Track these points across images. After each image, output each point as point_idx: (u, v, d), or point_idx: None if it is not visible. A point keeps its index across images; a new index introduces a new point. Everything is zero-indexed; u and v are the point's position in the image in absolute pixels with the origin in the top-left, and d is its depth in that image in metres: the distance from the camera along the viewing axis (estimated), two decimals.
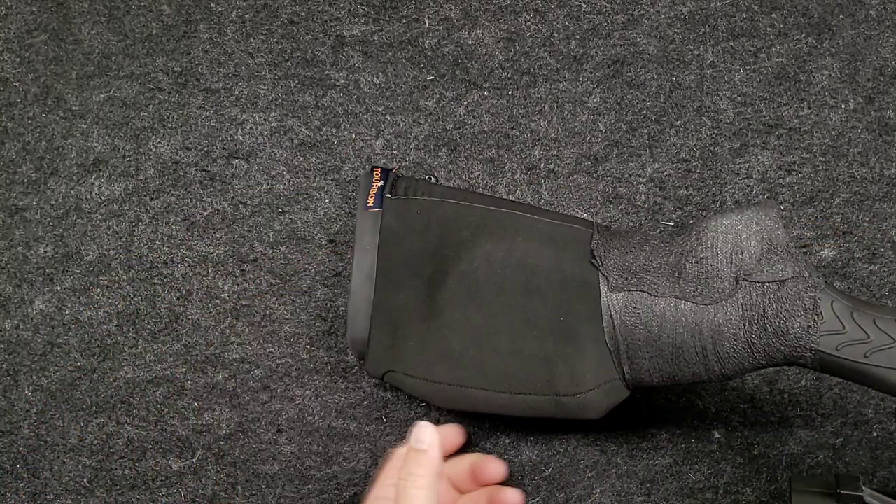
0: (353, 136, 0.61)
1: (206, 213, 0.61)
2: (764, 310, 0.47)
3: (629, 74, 0.60)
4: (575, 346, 0.50)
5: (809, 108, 0.60)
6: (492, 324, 0.51)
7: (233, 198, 0.61)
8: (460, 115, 0.61)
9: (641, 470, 0.58)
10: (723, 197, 0.60)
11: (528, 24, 0.61)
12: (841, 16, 0.61)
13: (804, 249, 0.59)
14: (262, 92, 0.61)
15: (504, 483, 0.56)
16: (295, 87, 0.61)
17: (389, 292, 0.52)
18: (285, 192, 0.61)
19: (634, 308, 0.49)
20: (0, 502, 0.60)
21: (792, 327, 0.46)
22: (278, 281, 0.60)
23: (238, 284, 0.60)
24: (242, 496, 0.59)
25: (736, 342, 0.47)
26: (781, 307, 0.46)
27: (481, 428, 0.59)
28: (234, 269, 0.60)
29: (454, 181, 0.60)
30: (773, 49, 0.60)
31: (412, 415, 0.60)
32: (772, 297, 0.47)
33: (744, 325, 0.47)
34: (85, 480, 0.60)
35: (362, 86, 0.61)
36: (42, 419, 0.60)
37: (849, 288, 0.59)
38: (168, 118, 0.61)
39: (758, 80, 0.60)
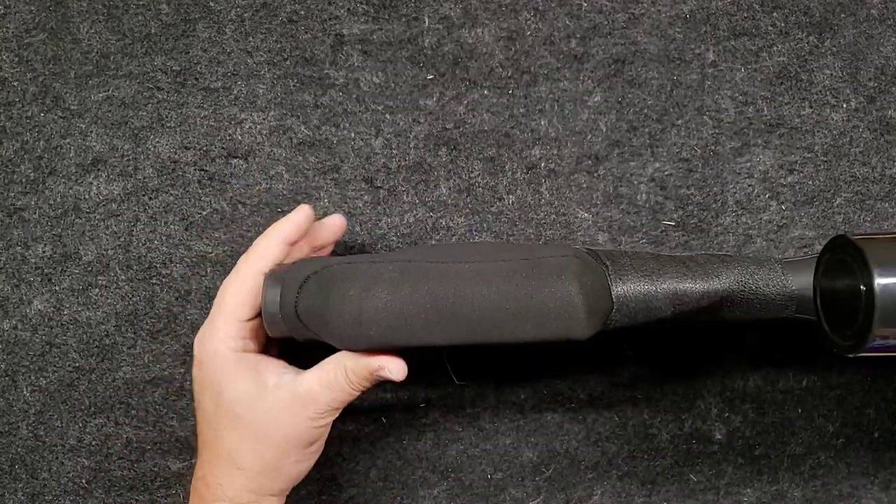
0: (353, 135, 0.61)
1: (204, 213, 0.61)
2: (759, 266, 0.50)
3: (630, 73, 0.60)
4: (555, 250, 0.47)
5: (811, 107, 0.60)
6: (453, 254, 0.46)
7: (232, 197, 0.61)
8: (460, 114, 0.60)
9: (642, 471, 0.58)
10: (724, 197, 0.59)
11: (528, 22, 0.61)
12: (842, 15, 0.60)
13: (805, 249, 0.59)
14: (260, 91, 0.61)
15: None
16: (294, 86, 0.61)
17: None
18: (284, 192, 0.60)
19: (625, 253, 0.49)
20: None
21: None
22: None
23: None
24: None
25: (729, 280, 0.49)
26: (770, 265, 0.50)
27: (480, 428, 0.59)
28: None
29: (454, 181, 0.60)
30: (775, 48, 0.60)
31: (412, 415, 0.59)
32: (758, 270, 0.50)
33: (739, 277, 0.49)
34: (83, 481, 0.60)
35: (362, 85, 0.61)
36: (40, 420, 0.60)
37: None
38: (167, 117, 0.61)
39: (759, 79, 0.60)
